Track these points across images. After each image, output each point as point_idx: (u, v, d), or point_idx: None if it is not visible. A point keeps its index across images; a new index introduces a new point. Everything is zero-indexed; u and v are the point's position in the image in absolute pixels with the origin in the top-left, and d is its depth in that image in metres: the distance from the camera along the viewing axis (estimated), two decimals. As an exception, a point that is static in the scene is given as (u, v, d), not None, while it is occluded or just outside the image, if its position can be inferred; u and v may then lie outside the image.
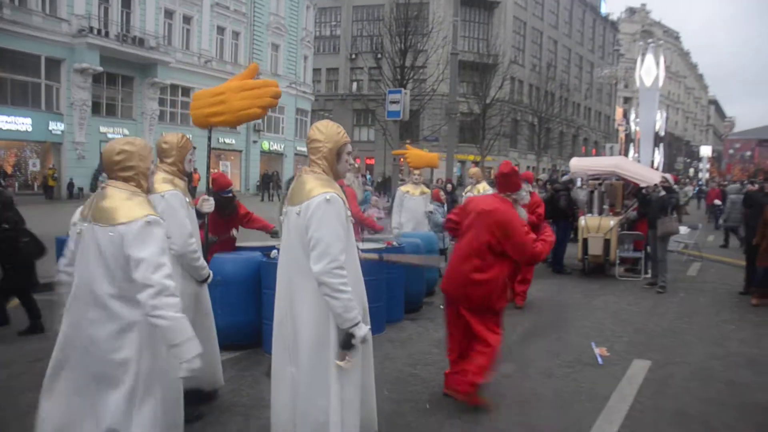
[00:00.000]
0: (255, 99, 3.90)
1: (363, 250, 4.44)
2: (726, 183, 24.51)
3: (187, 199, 3.86)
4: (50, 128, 23.62)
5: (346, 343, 2.80)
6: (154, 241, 2.45)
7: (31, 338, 5.60)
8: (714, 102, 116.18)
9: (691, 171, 61.55)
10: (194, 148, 4.03)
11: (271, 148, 35.91)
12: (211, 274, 3.94)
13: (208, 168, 4.12)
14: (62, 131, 23.95)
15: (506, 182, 4.45)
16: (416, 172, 8.88)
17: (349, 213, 2.98)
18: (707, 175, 51.02)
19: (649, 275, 9.72)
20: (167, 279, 2.44)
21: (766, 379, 5.08)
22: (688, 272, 10.99)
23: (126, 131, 25.99)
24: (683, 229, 12.20)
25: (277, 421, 3.04)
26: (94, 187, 21.56)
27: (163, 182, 3.69)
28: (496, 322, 4.31)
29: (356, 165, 8.61)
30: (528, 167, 43.76)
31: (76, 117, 24.12)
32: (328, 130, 3.03)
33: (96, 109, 25.41)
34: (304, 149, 3.66)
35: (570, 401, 4.44)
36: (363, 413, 3.02)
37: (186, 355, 2.46)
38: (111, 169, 2.61)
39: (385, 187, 27.33)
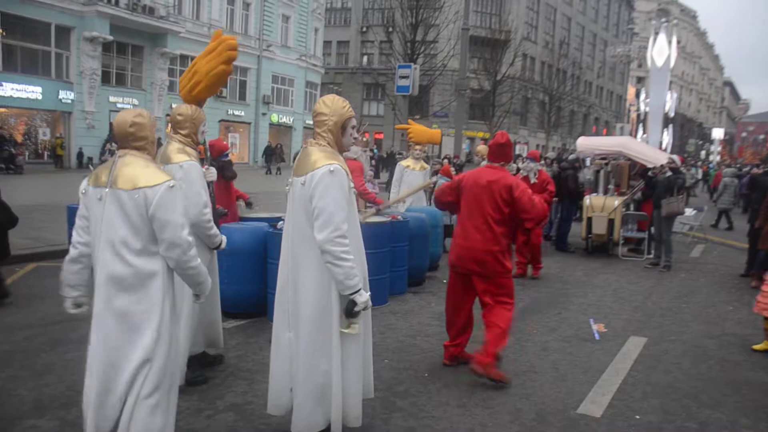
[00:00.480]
0: (216, 57, 4.11)
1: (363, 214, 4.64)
2: (727, 166, 24.39)
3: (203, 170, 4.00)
4: (60, 97, 23.68)
5: (350, 310, 2.93)
6: (178, 203, 2.71)
7: (44, 303, 5.76)
8: (729, 83, 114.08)
9: (703, 153, 60.91)
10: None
11: (280, 121, 35.85)
12: (224, 241, 4.07)
13: (205, 141, 4.28)
14: (72, 100, 24.02)
15: (500, 152, 4.56)
16: (418, 147, 8.90)
17: (351, 185, 3.07)
18: (718, 158, 50.43)
19: (651, 256, 9.79)
20: (190, 236, 2.74)
21: (758, 358, 5.19)
22: (692, 254, 11.05)
23: (135, 101, 26.03)
24: (688, 211, 12.23)
25: (274, 385, 3.18)
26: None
27: (178, 152, 3.83)
28: (511, 290, 4.45)
29: (365, 139, 8.63)
30: (537, 146, 43.57)
31: (86, 86, 24.14)
32: (333, 104, 3.11)
33: (106, 78, 25.41)
34: (313, 122, 3.76)
35: (565, 374, 4.57)
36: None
37: (206, 291, 2.95)
38: (125, 139, 2.75)
39: (388, 162, 27.29)
